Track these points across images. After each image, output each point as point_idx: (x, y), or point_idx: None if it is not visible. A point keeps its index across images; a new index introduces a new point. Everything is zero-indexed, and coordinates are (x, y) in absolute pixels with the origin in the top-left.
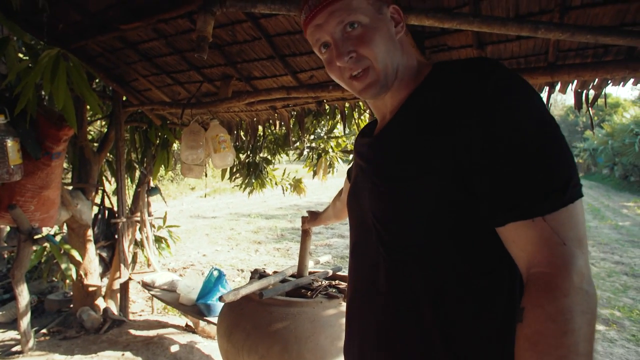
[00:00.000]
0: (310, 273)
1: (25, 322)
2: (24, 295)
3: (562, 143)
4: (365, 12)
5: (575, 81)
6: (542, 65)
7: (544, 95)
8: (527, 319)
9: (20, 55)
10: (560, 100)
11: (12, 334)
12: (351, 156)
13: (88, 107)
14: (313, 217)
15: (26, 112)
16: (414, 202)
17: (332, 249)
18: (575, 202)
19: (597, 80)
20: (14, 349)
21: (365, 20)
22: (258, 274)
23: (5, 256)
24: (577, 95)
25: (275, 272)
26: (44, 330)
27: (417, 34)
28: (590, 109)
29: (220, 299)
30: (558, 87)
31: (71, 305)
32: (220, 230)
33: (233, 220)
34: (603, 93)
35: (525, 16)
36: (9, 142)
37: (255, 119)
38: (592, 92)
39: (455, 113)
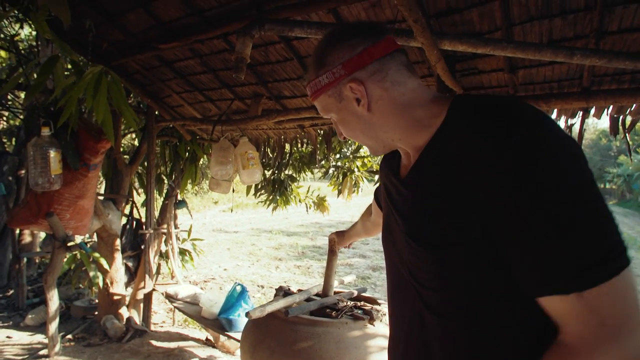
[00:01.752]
0: (335, 293)
1: (53, 326)
2: (54, 301)
3: (598, 209)
4: (330, 108)
5: (611, 106)
6: (576, 90)
7: (577, 120)
8: None
9: (66, 72)
10: (592, 124)
11: (40, 338)
12: (377, 177)
13: (122, 120)
14: (341, 237)
15: (68, 125)
16: (449, 269)
17: (353, 269)
18: (621, 273)
19: (635, 105)
20: (41, 352)
21: (335, 116)
22: (283, 292)
23: (37, 261)
24: (614, 121)
25: (300, 290)
26: (69, 336)
27: (448, 58)
28: (627, 134)
29: (247, 314)
30: (592, 112)
31: (96, 313)
32: (242, 245)
33: (254, 236)
34: None
35: (559, 41)
36: (52, 153)
37: (283, 136)
38: (629, 118)
39: (474, 182)
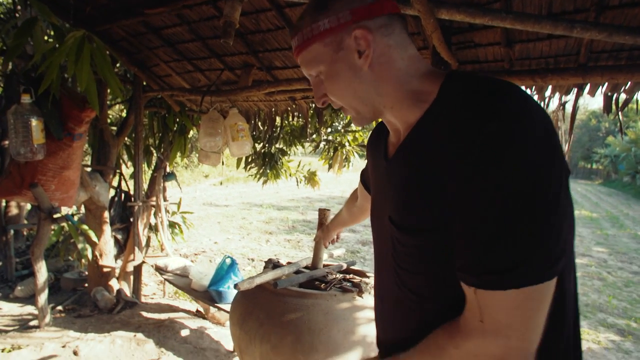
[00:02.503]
0: (324, 266)
1: (42, 298)
2: (42, 272)
3: (534, 223)
4: (323, 59)
5: (606, 84)
6: (573, 66)
7: (571, 97)
8: (427, 338)
9: (46, 38)
10: (583, 105)
11: (30, 309)
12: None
13: (109, 90)
14: (325, 231)
15: (50, 93)
16: (426, 254)
17: (343, 243)
18: (524, 288)
19: (630, 83)
20: (31, 323)
21: (323, 69)
22: (272, 264)
23: (24, 234)
24: (607, 99)
25: (289, 263)
26: (59, 307)
27: (445, 30)
28: (620, 113)
29: (236, 286)
30: (587, 89)
31: (86, 285)
32: (232, 218)
33: (245, 210)
34: (635, 98)
35: (559, 15)
36: (34, 122)
37: (273, 109)
38: (622, 96)
39: (447, 170)
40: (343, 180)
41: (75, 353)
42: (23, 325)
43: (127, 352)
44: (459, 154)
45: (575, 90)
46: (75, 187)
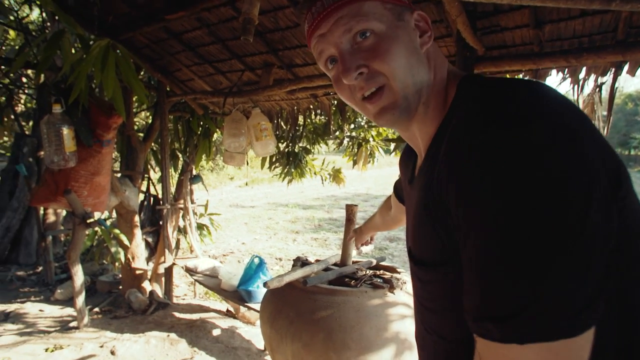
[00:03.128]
0: (353, 262)
1: (80, 300)
2: (79, 275)
3: (536, 257)
4: (381, 18)
5: None
6: (610, 43)
7: (608, 78)
8: None
9: (73, 50)
10: (619, 88)
11: (69, 311)
12: (392, 145)
13: (134, 97)
14: (359, 232)
15: (79, 102)
16: (443, 291)
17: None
18: (527, 345)
19: None
20: (71, 324)
21: (381, 28)
22: (300, 262)
23: (62, 239)
24: None
25: (317, 261)
26: (96, 309)
27: (469, 14)
28: None
29: (265, 284)
30: (626, 68)
31: (120, 287)
32: (259, 219)
33: (271, 210)
34: None
35: None
36: (65, 130)
37: (295, 107)
38: None
39: (448, 185)
40: (368, 177)
41: (112, 353)
42: (64, 327)
43: (161, 351)
44: (454, 172)
45: (612, 70)
46: (107, 192)
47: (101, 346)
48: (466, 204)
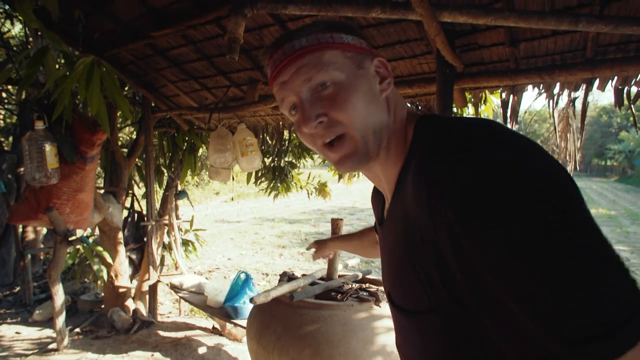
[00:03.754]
0: (339, 276)
1: (60, 321)
2: (59, 295)
3: (597, 242)
4: (341, 68)
5: (616, 78)
6: (580, 60)
7: (580, 93)
8: None
9: (57, 66)
10: (592, 101)
11: (48, 332)
12: None
13: (119, 113)
14: (323, 244)
15: (62, 118)
16: (428, 338)
17: None
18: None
19: None
20: (50, 347)
21: (340, 78)
22: (287, 277)
23: (41, 258)
24: (618, 93)
25: (304, 275)
26: (77, 330)
27: (447, 33)
28: (632, 107)
29: (251, 300)
30: (596, 84)
31: (102, 306)
32: (245, 234)
33: (257, 225)
34: None
35: (563, 10)
36: (47, 147)
37: (281, 122)
38: (634, 89)
39: (429, 235)
40: (354, 190)
41: None
42: (42, 349)
43: None
44: (440, 209)
45: (584, 86)
46: (90, 209)
47: None
48: (479, 239)
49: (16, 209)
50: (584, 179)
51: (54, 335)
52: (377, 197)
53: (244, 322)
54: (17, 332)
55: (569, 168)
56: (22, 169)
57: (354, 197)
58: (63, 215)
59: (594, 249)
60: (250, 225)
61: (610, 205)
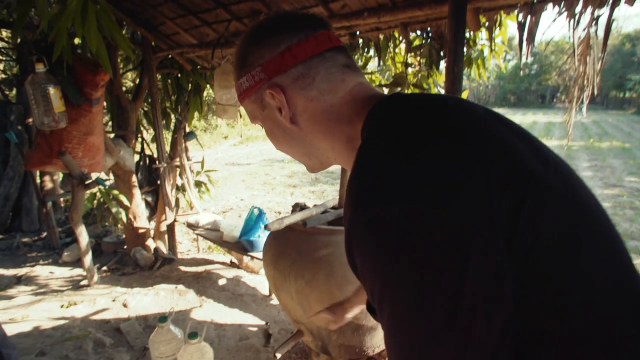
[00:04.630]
0: None
1: (88, 259)
2: (83, 236)
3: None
4: (256, 115)
5: None
6: None
7: (605, 10)
8: None
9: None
10: (616, 28)
11: (79, 271)
12: (385, 91)
13: (120, 52)
14: (339, 311)
15: (63, 60)
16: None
17: None
18: None
19: None
20: (81, 283)
21: (260, 123)
22: (299, 207)
23: (62, 205)
24: None
25: (315, 205)
26: (104, 268)
27: None
28: None
29: (266, 227)
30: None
31: (125, 247)
32: (256, 176)
33: (267, 166)
34: None
35: None
36: (51, 90)
37: None
38: None
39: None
40: None
41: (124, 305)
42: (75, 285)
43: (170, 302)
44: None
45: (610, 1)
46: (101, 152)
47: (113, 300)
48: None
49: (30, 155)
50: (600, 112)
51: (84, 273)
52: None
53: (259, 255)
54: (50, 272)
55: (586, 94)
56: (30, 120)
57: None
58: (76, 159)
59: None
60: (260, 167)
61: (625, 137)
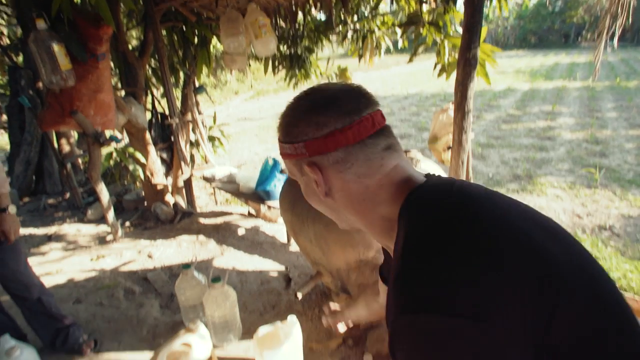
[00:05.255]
0: None
1: (111, 215)
2: (104, 193)
3: None
4: (294, 173)
5: None
6: None
7: None
8: None
9: None
10: None
11: (104, 228)
12: (399, 33)
13: (121, 4)
14: (340, 315)
15: (63, 16)
16: None
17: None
18: None
19: None
20: (107, 238)
21: (298, 181)
22: None
23: (81, 167)
24: None
25: None
26: (127, 224)
27: None
28: None
29: (282, 170)
30: None
31: (145, 203)
32: (269, 130)
33: None
34: None
35: None
36: (55, 47)
37: (293, 1)
38: None
39: None
40: (375, 79)
41: (149, 256)
42: (101, 241)
43: (192, 252)
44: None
45: None
46: (113, 110)
47: (138, 252)
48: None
49: (44, 116)
50: (629, 49)
51: (109, 229)
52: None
53: (276, 204)
54: (77, 230)
55: (619, 23)
56: (41, 84)
57: (375, 85)
58: (89, 118)
59: None
60: (273, 121)
61: None
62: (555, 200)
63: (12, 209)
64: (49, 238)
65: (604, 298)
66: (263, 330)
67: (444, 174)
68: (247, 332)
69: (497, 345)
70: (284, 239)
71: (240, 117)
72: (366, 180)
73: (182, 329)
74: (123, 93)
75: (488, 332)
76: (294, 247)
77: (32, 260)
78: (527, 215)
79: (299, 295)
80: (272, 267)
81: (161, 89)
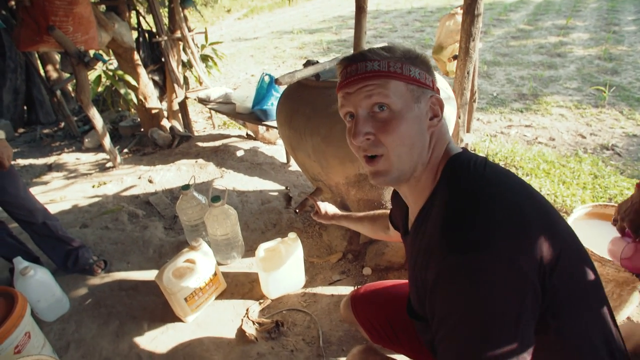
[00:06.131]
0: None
1: (107, 141)
2: (97, 118)
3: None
4: (400, 97)
5: None
6: None
7: None
8: None
9: None
10: None
11: (103, 155)
12: None
13: None
14: (326, 215)
15: None
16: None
17: (383, 39)
18: None
19: None
20: (107, 165)
21: (397, 107)
22: (311, 63)
23: (73, 95)
24: None
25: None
26: (125, 150)
27: None
28: None
29: (276, 81)
30: None
31: (142, 129)
32: (265, 49)
33: (276, 39)
34: None
35: None
36: None
37: None
38: None
39: (426, 267)
40: None
41: (150, 181)
42: (101, 168)
43: (192, 174)
44: (429, 266)
45: None
46: (94, 26)
47: (139, 177)
48: (434, 299)
49: (19, 34)
50: None
51: (107, 157)
52: (398, 201)
53: (274, 124)
54: (76, 158)
55: None
56: (12, 2)
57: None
58: (69, 35)
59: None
60: (268, 40)
61: None
62: (560, 120)
63: (0, 134)
64: (49, 167)
65: (583, 252)
66: (265, 246)
67: (448, 88)
68: (250, 250)
69: (523, 284)
70: (283, 159)
71: (234, 37)
72: (445, 135)
73: (186, 247)
74: (104, 8)
75: (518, 274)
76: (294, 167)
77: (34, 190)
78: (533, 190)
79: (292, 204)
80: (272, 187)
81: (145, 4)
